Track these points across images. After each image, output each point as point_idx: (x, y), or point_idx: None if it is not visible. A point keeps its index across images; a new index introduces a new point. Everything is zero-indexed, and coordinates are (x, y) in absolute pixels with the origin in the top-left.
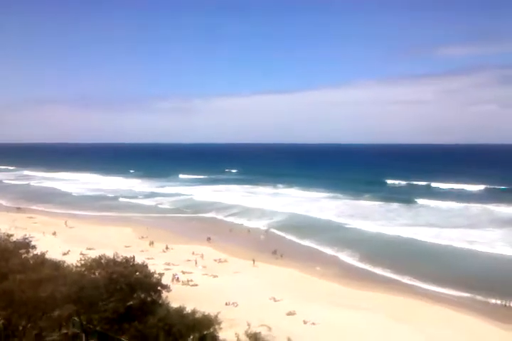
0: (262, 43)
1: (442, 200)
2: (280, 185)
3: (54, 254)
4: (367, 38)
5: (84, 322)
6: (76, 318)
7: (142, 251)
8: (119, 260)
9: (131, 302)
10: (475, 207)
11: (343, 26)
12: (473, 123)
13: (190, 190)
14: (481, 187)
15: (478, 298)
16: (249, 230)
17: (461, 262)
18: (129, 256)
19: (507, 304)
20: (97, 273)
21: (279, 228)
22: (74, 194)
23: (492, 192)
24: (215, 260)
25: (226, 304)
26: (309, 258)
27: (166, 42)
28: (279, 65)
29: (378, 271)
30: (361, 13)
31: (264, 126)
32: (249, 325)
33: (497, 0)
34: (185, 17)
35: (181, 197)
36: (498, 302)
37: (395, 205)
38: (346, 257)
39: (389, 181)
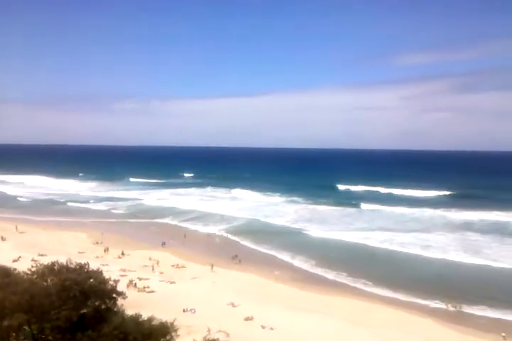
0: (225, 45)
1: (397, 205)
2: (238, 190)
3: (3, 261)
4: (330, 44)
5: (36, 332)
6: (27, 328)
7: (97, 257)
8: (72, 266)
9: (84, 310)
10: (427, 212)
11: (306, 31)
12: (431, 129)
13: (143, 194)
14: (435, 192)
15: (431, 301)
16: (208, 235)
17: (414, 266)
18: (83, 263)
19: (457, 307)
20: (49, 281)
21: (237, 233)
22: (22, 198)
23: (444, 197)
24: (173, 265)
25: (184, 310)
26: (267, 263)
27: (125, 42)
28: (243, 68)
29: (335, 275)
30: (324, 19)
31: (226, 129)
32: (209, 330)
33: (453, 10)
34: (148, 18)
35: (134, 202)
36: (450, 305)
37: (351, 210)
38: (304, 262)
39: (347, 186)
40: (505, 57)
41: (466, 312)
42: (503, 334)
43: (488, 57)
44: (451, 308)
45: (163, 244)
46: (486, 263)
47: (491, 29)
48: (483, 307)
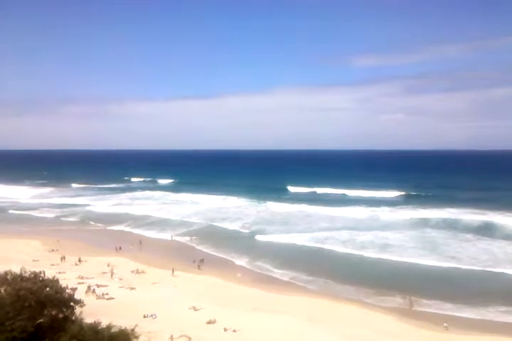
0: (178, 47)
1: (356, 206)
2: (194, 194)
3: None
4: (285, 46)
5: None
6: None
7: (53, 264)
8: (26, 275)
9: (41, 320)
10: (385, 211)
11: (262, 32)
12: (386, 130)
13: (96, 200)
14: (392, 192)
15: (392, 299)
16: (166, 240)
17: (375, 266)
18: (38, 271)
19: (413, 305)
20: (2, 291)
21: (196, 237)
22: None
23: (400, 197)
24: (132, 271)
25: (144, 316)
26: (229, 266)
27: (70, 42)
28: (197, 70)
29: (297, 275)
30: (278, 21)
31: (181, 132)
32: (172, 336)
33: (403, 15)
34: (98, 17)
35: (87, 208)
36: (408, 301)
37: (311, 211)
38: (266, 263)
39: (306, 188)
40: (451, 60)
41: (422, 308)
42: (445, 324)
43: (436, 60)
44: (409, 305)
45: (119, 248)
46: (443, 261)
47: (440, 34)
48: (438, 302)
